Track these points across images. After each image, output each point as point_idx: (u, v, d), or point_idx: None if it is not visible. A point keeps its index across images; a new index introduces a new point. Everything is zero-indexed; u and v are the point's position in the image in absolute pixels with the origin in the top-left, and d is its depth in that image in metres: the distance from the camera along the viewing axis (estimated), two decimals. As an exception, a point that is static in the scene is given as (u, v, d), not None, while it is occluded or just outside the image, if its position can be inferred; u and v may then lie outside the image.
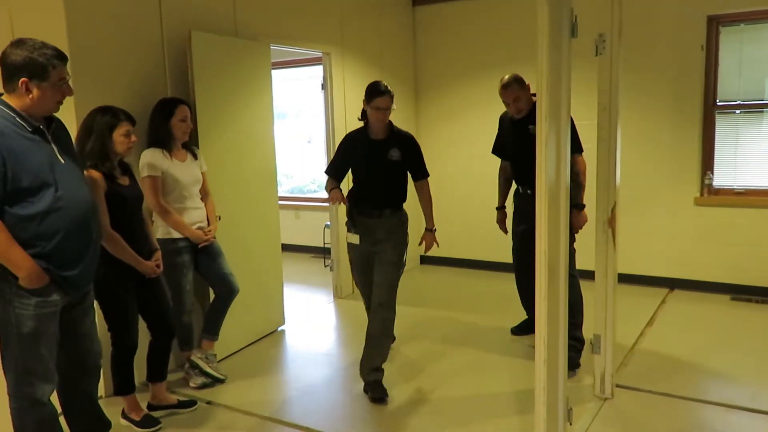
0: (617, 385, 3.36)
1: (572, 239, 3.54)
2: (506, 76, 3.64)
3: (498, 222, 4.15)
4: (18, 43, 2.21)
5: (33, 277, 2.19)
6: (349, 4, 5.31)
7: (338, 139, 5.19)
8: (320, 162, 7.78)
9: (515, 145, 3.83)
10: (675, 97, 5.05)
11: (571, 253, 3.52)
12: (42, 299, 2.24)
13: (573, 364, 3.52)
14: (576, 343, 3.50)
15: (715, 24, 4.92)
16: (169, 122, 3.37)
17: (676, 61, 5.01)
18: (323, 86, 5.19)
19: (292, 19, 4.74)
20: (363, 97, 3.37)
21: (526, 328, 4.11)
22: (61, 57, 2.27)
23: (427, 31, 6.12)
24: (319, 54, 5.16)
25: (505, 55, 5.62)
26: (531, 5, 5.74)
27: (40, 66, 2.20)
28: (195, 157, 3.54)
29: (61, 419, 2.54)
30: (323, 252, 6.72)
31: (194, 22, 3.84)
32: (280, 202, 4.64)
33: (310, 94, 7.52)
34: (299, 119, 8.06)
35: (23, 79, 2.19)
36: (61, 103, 2.30)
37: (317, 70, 7.02)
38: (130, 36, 3.54)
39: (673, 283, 5.25)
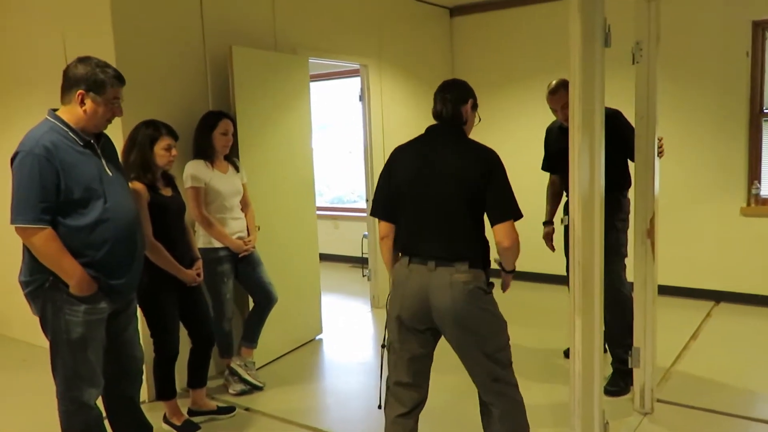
0: (658, 400, 3.28)
1: (623, 254, 3.35)
2: (553, 82, 3.48)
3: (545, 238, 3.93)
4: (83, 59, 2.34)
5: (83, 285, 2.29)
6: (386, 17, 5.38)
7: (376, 150, 5.26)
8: (360, 173, 7.87)
9: (564, 153, 3.69)
10: (719, 105, 4.93)
11: (622, 269, 3.38)
12: (91, 306, 2.34)
13: (621, 391, 3.37)
14: (625, 368, 3.31)
15: (760, 30, 4.79)
16: (212, 135, 3.47)
17: (719, 69, 4.89)
18: (361, 98, 5.26)
19: (330, 32, 4.82)
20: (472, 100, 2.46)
21: None
22: (120, 79, 2.38)
23: (465, 42, 6.14)
24: (355, 66, 5.23)
25: (544, 64, 5.59)
26: (568, 12, 5.65)
27: (99, 81, 2.31)
28: (236, 169, 3.64)
29: (106, 422, 2.63)
30: (361, 262, 6.77)
31: (235, 37, 3.96)
32: (320, 212, 4.72)
33: (350, 106, 7.62)
34: (340, 130, 8.16)
35: (80, 91, 2.30)
36: (110, 121, 2.41)
37: (356, 82, 7.14)
38: (174, 52, 3.67)
39: (719, 296, 5.10)
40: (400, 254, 2.34)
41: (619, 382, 3.40)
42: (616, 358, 3.41)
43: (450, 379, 2.97)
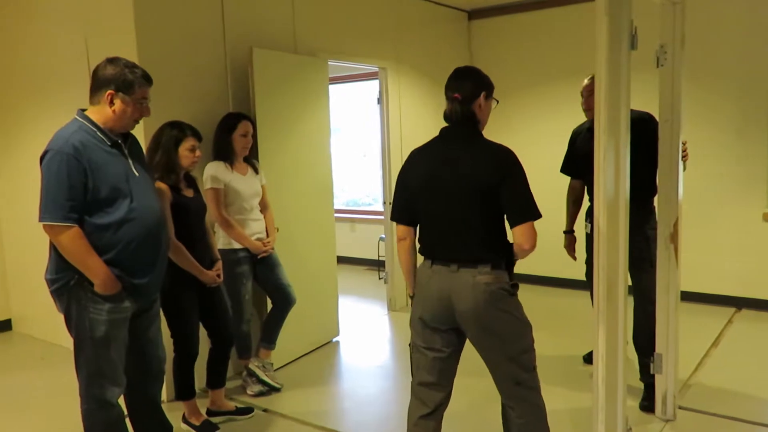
0: (680, 407, 3.24)
1: (652, 262, 3.18)
2: (586, 80, 3.38)
3: (566, 247, 3.84)
4: (112, 60, 2.36)
5: (108, 284, 2.30)
6: (405, 20, 5.38)
7: (394, 153, 5.26)
8: (375, 176, 7.87)
9: (592, 156, 3.53)
10: (742, 109, 4.88)
11: (652, 276, 3.18)
12: (114, 305, 2.35)
13: (648, 407, 3.26)
14: (653, 383, 3.21)
15: (785, 33, 4.74)
16: (231, 136, 3.49)
17: (743, 71, 4.84)
18: (379, 100, 5.26)
19: (350, 35, 4.84)
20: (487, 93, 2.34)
21: None
22: (148, 79, 2.41)
23: (483, 45, 6.13)
24: (374, 69, 5.24)
25: (563, 68, 5.57)
26: (588, 16, 5.63)
27: (128, 82, 2.34)
28: (255, 170, 3.66)
29: (127, 421, 2.64)
30: (377, 264, 6.77)
31: (255, 39, 3.98)
32: (336, 215, 4.72)
33: (365, 108, 7.64)
34: (354, 133, 8.18)
35: (110, 91, 2.32)
36: (137, 121, 2.43)
37: (370, 85, 7.16)
38: (195, 54, 3.70)
39: (740, 303, 5.03)
40: (423, 257, 2.33)
41: (653, 396, 3.25)
42: (645, 371, 3.27)
43: (474, 381, 2.95)
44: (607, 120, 2.23)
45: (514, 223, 2.16)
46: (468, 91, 2.25)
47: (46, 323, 4.64)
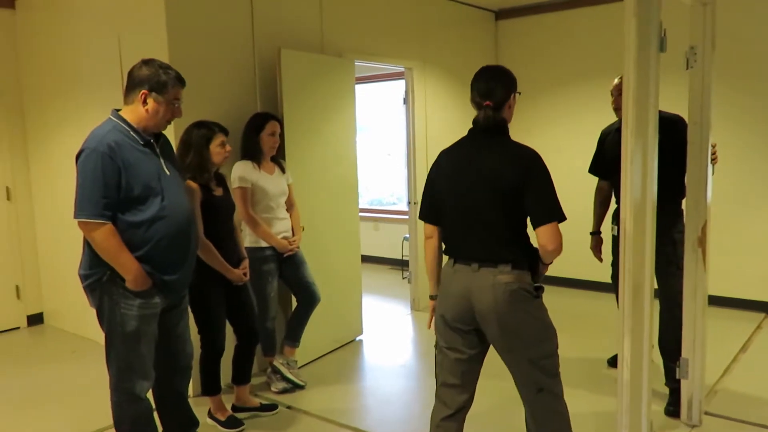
0: (706, 413, 3.20)
1: (682, 267, 3.11)
2: (617, 79, 3.35)
3: (593, 249, 3.83)
4: (147, 61, 2.43)
5: (139, 280, 2.36)
6: (432, 20, 5.39)
7: (419, 152, 5.27)
8: (399, 175, 7.89)
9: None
10: (773, 110, 4.79)
11: (679, 279, 3.12)
12: (145, 301, 2.41)
13: (674, 412, 3.21)
14: (679, 387, 3.17)
15: (819, 34, 4.65)
16: (259, 136, 3.54)
17: (775, 73, 4.76)
18: (405, 100, 5.28)
19: (376, 36, 4.86)
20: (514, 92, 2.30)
21: None
22: (181, 80, 2.47)
23: (510, 45, 6.11)
24: (400, 69, 5.25)
25: (590, 69, 5.53)
26: (614, 16, 5.61)
27: (162, 82, 2.40)
28: (282, 170, 3.70)
29: (155, 415, 2.70)
30: (401, 264, 6.79)
31: (283, 39, 4.03)
32: (360, 214, 4.75)
33: (390, 108, 7.66)
34: (379, 133, 8.21)
35: (144, 91, 2.38)
36: (170, 122, 2.49)
37: (395, 85, 7.18)
38: (224, 54, 3.75)
39: (770, 308, 4.95)
40: (447, 256, 2.34)
41: (679, 401, 3.21)
42: (671, 375, 3.23)
43: (496, 383, 2.95)
44: (635, 122, 2.21)
45: (538, 224, 2.14)
46: (499, 97, 2.22)
47: (77, 317, 4.75)
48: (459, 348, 2.29)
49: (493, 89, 2.22)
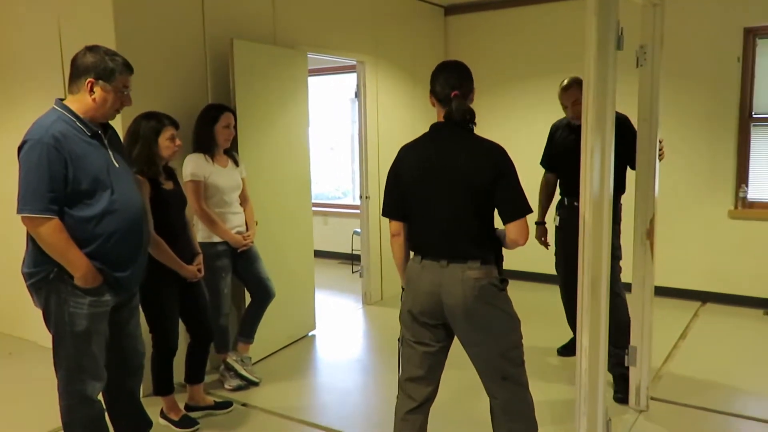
0: (652, 398, 3.34)
1: (618, 257, 3.32)
2: (566, 79, 3.50)
3: (538, 237, 3.96)
4: (91, 48, 2.31)
5: (88, 277, 2.25)
6: (382, 15, 5.37)
7: (371, 147, 5.25)
8: (345, 170, 7.86)
9: (570, 152, 3.46)
10: (710, 108, 5.03)
11: (618, 271, 3.35)
12: (95, 299, 2.30)
13: (623, 399, 3.32)
14: (626, 371, 3.28)
15: (751, 36, 4.89)
16: (213, 128, 3.44)
17: (712, 73, 4.98)
18: (356, 94, 5.24)
19: (329, 29, 4.81)
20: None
21: (573, 348, 3.99)
22: (129, 67, 2.36)
23: (459, 41, 6.16)
24: (347, 62, 5.21)
25: (538, 66, 5.64)
26: (563, 14, 5.69)
27: (109, 69, 2.28)
28: (236, 163, 3.61)
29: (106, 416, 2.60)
30: (351, 258, 6.77)
31: (235, 30, 3.92)
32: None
33: (334, 103, 7.59)
34: (322, 127, 8.13)
35: (90, 79, 2.27)
36: (118, 111, 2.38)
37: (340, 79, 7.12)
38: (174, 44, 3.62)
39: (705, 297, 5.20)
40: (412, 253, 2.34)
41: (626, 388, 3.33)
42: (616, 361, 3.32)
43: (457, 374, 2.97)
44: (595, 118, 2.27)
45: (509, 220, 2.17)
46: (467, 87, 2.26)
47: (13, 317, 4.51)
48: (427, 342, 2.30)
49: (463, 81, 2.26)
